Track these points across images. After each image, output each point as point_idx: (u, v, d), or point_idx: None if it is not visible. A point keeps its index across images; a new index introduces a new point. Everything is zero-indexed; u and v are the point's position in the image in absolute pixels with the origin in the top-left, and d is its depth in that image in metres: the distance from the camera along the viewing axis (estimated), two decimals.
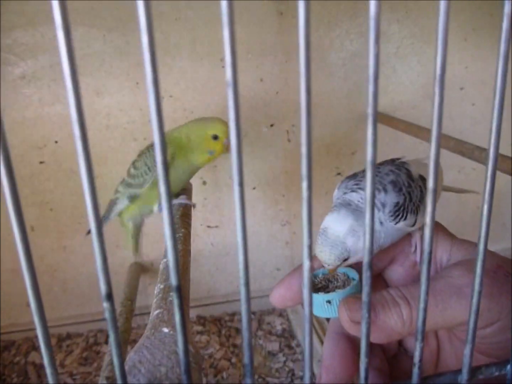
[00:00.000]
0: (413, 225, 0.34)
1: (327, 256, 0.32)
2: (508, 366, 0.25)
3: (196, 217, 1.07)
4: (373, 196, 0.20)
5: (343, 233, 0.32)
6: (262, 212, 1.09)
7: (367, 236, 0.21)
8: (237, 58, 0.16)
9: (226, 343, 1.03)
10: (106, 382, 0.62)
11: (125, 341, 0.78)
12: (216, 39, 0.94)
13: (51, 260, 1.03)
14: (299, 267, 0.34)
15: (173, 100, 0.97)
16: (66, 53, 0.15)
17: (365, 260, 0.21)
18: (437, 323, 0.28)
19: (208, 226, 1.08)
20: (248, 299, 0.20)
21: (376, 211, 0.33)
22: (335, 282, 0.34)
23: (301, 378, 0.92)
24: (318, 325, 0.99)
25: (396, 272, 0.35)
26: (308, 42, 0.16)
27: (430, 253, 0.21)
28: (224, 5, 0.15)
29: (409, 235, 0.35)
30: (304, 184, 0.18)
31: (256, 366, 0.96)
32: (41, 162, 0.95)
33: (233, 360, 0.98)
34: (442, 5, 0.17)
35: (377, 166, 0.36)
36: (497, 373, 0.25)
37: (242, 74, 0.98)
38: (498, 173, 0.22)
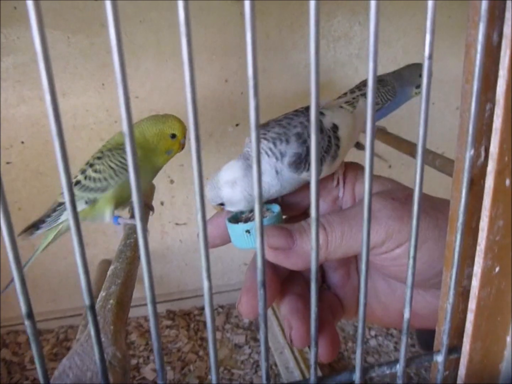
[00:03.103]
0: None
1: (207, 194, 0.34)
2: (398, 366, 0.28)
3: (165, 214, 1.09)
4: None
5: (223, 182, 0.34)
6: None
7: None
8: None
9: (194, 336, 1.06)
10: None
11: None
12: (180, 40, 0.96)
13: (21, 258, 1.04)
14: None
15: (139, 101, 0.98)
16: None
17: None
18: (352, 246, 0.30)
19: (177, 224, 1.11)
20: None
21: (274, 160, 0.34)
22: None
23: None
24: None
25: (320, 207, 0.37)
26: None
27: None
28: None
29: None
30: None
31: (223, 358, 1.00)
32: (8, 163, 0.96)
33: (201, 353, 1.01)
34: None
35: (290, 116, 0.37)
36: (388, 372, 0.28)
37: (207, 75, 1.00)
38: None
